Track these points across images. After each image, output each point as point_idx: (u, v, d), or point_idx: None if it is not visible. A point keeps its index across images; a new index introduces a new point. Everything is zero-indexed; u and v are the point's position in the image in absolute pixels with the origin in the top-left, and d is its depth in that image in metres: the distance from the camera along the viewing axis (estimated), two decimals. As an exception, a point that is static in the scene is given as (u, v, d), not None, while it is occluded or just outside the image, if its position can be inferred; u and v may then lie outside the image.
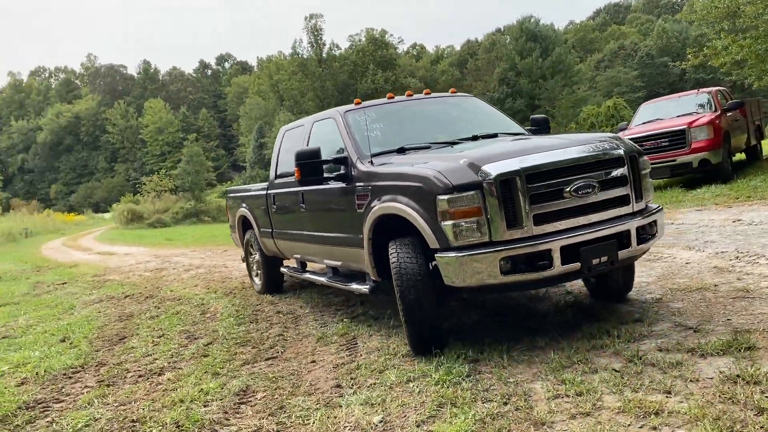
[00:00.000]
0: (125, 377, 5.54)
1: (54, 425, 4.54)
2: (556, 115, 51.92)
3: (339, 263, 6.23)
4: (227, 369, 5.26)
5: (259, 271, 8.59)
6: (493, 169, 4.26)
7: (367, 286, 5.51)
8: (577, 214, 4.40)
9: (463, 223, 4.25)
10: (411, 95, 6.67)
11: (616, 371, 3.81)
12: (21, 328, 8.58)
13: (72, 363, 6.22)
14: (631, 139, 11.98)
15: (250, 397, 4.52)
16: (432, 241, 4.43)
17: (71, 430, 4.40)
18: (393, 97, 6.58)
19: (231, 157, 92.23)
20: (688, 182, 12.35)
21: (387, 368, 4.56)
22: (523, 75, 67.31)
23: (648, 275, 5.99)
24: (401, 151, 5.52)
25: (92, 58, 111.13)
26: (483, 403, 3.66)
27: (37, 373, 6.01)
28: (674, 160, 11.66)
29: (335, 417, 3.85)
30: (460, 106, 6.86)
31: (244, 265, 9.36)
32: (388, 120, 6.21)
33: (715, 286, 5.26)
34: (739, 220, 7.77)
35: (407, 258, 4.64)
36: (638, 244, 4.57)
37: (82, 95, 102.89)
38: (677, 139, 11.68)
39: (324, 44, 69.23)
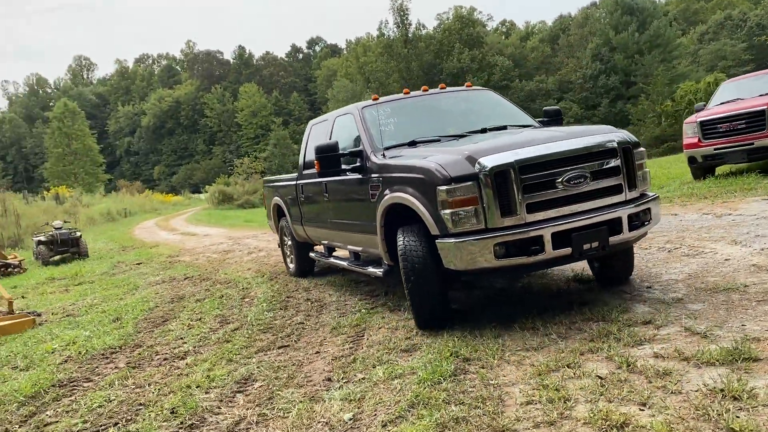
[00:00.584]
0: (152, 360, 5.82)
1: (74, 404, 4.84)
2: (650, 93, 49.27)
3: (360, 249, 6.67)
4: (241, 356, 5.42)
5: (291, 256, 9.08)
6: (489, 162, 4.60)
7: (381, 270, 5.97)
8: (570, 203, 4.70)
9: (461, 212, 4.61)
10: (426, 90, 6.98)
11: (600, 378, 3.63)
12: (86, 307, 9.19)
13: (113, 344, 6.60)
14: (703, 121, 11.34)
15: (248, 386, 4.64)
16: (433, 228, 4.82)
17: (86, 409, 4.68)
18: (409, 93, 6.92)
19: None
20: (767, 168, 11.45)
21: (380, 363, 4.56)
22: (618, 50, 64.43)
23: (680, 272, 5.62)
24: (412, 144, 5.92)
25: (191, 45, 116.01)
26: (454, 405, 3.59)
27: (80, 352, 6.43)
28: (752, 144, 10.80)
29: (313, 411, 3.89)
30: (474, 100, 7.13)
31: (282, 250, 9.85)
32: (403, 114, 6.58)
33: (745, 286, 4.87)
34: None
35: (412, 243, 5.04)
36: (630, 230, 4.83)
37: (182, 81, 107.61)
38: (755, 120, 10.78)
39: (410, 24, 68.92)
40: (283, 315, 6.69)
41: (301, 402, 4.08)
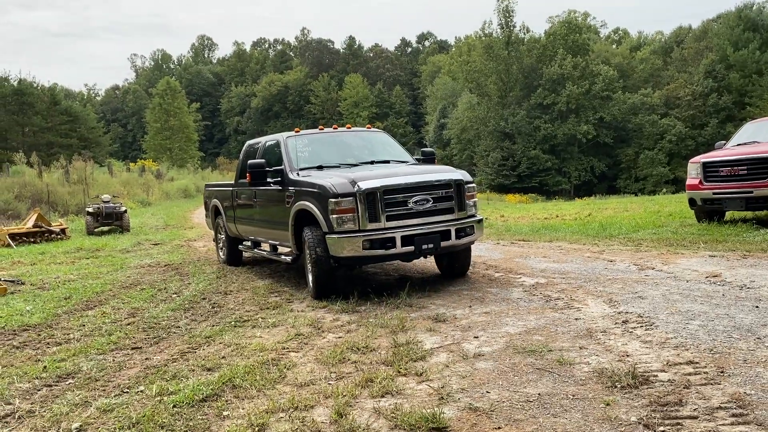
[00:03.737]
0: (38, 343, 6.36)
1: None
2: (757, 116, 45.71)
3: (277, 242, 8.61)
4: (100, 351, 5.84)
5: (223, 248, 10.98)
6: (364, 185, 6.78)
7: (290, 257, 8.06)
8: (416, 217, 6.95)
9: (343, 217, 6.75)
10: (336, 128, 9.21)
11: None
12: (62, 281, 10.02)
13: (34, 322, 7.24)
14: (706, 162, 10.70)
15: (61, 382, 5.03)
16: (324, 227, 6.92)
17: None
18: (323, 129, 9.13)
19: (418, 134, 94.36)
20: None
21: (173, 378, 4.82)
22: (735, 68, 60.29)
23: (523, 326, 5.44)
24: (320, 168, 7.97)
25: (305, 32, 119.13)
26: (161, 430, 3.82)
27: (3, 327, 7.10)
28: (751, 192, 10.03)
29: (66, 415, 4.22)
30: (370, 139, 9.20)
31: (216, 243, 11.76)
32: (316, 145, 8.67)
33: (549, 351, 4.67)
34: (717, 278, 6.63)
35: (314, 237, 7.07)
36: (457, 239, 7.09)
37: (292, 66, 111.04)
38: (758, 167, 9.96)
39: (513, 26, 67.60)
40: (177, 316, 7.06)
41: (69, 405, 4.42)
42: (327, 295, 7.17)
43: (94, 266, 11.67)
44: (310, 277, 7.34)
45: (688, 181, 11.17)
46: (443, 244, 6.95)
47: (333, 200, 6.74)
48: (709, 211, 11.15)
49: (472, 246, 8.21)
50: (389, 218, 6.78)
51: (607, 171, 64.27)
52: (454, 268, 7.99)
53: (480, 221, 7.48)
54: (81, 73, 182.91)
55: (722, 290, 6.11)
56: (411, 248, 6.77)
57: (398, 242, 6.70)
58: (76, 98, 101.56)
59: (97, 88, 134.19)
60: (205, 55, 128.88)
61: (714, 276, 6.70)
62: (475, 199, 7.53)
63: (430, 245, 6.83)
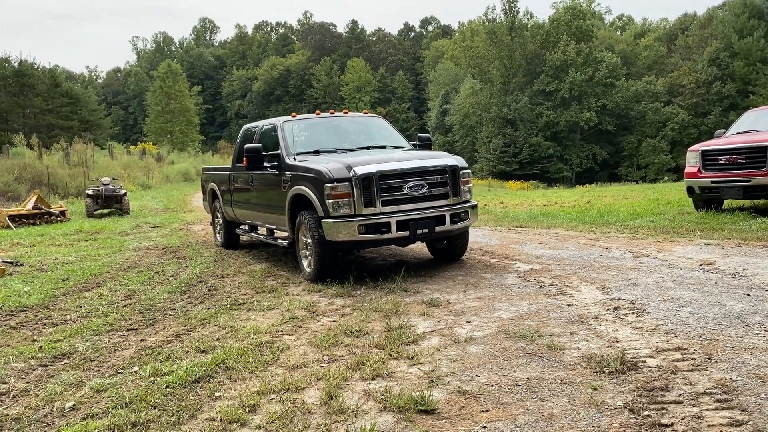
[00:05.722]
0: (35, 323, 6.42)
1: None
2: (759, 105, 45.56)
3: (274, 226, 8.72)
4: (96, 332, 5.89)
5: (221, 231, 11.10)
6: (359, 170, 6.82)
7: (286, 241, 8.10)
8: (411, 202, 7.00)
9: (339, 202, 6.81)
10: (333, 113, 9.27)
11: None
12: (61, 263, 10.06)
13: (31, 303, 7.28)
14: (705, 150, 10.69)
15: (56, 362, 5.08)
16: (320, 212, 6.99)
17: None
18: (320, 114, 9.09)
19: (420, 120, 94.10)
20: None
21: (167, 359, 4.87)
22: (740, 57, 59.98)
23: (515, 311, 5.49)
24: (316, 152, 7.99)
25: (308, 15, 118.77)
26: (153, 409, 3.86)
27: (1, 307, 7.15)
28: (749, 181, 10.04)
29: (59, 394, 4.28)
30: (366, 124, 9.24)
31: (213, 227, 11.83)
32: (313, 130, 8.72)
33: (540, 336, 4.73)
34: (711, 266, 6.65)
35: (311, 221, 7.12)
36: (451, 224, 7.15)
37: (294, 50, 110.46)
38: (755, 156, 9.96)
39: (517, 12, 67.21)
40: (173, 299, 7.10)
41: (63, 384, 4.47)
42: (325, 278, 7.20)
43: (93, 248, 11.71)
44: (305, 262, 7.46)
45: (687, 169, 11.17)
46: (438, 229, 7.01)
47: (329, 185, 6.80)
48: (707, 200, 11.16)
49: (468, 231, 8.26)
50: (384, 203, 6.84)
51: (609, 159, 64.17)
52: (453, 252, 8.07)
53: (474, 207, 7.54)
54: (82, 56, 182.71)
55: (715, 278, 6.14)
56: (406, 233, 6.85)
57: (393, 227, 6.78)
58: (77, 80, 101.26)
59: (99, 70, 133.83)
60: (207, 38, 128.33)
61: (708, 264, 6.73)
62: (470, 185, 7.61)
63: (425, 230, 6.91)
